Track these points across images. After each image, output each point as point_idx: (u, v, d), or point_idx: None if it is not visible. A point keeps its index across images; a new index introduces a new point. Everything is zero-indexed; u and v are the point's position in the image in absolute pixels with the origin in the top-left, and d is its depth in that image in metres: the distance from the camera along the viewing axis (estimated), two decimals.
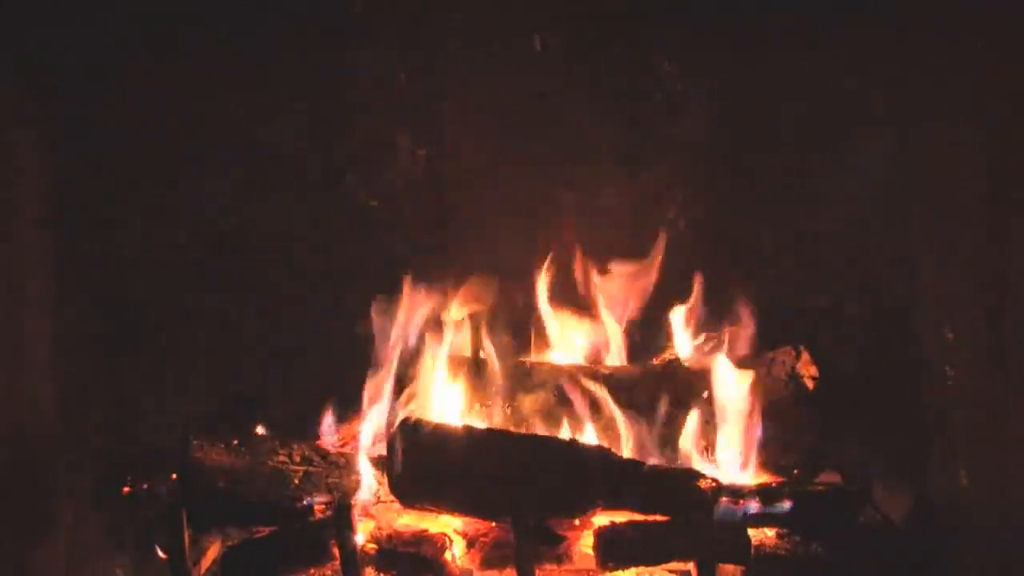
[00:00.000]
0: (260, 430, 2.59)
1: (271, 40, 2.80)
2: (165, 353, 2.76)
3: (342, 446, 2.63)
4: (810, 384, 2.66)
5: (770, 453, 2.57)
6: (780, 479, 2.57)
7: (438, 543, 2.38)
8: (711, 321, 2.77)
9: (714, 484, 2.38)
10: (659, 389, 2.65)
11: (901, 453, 2.57)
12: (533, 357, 2.81)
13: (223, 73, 2.78)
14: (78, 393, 2.58)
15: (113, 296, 2.69)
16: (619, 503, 2.39)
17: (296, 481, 2.42)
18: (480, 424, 2.60)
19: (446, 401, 2.67)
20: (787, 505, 2.38)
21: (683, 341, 2.79)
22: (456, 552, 2.40)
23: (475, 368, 2.73)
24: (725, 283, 2.80)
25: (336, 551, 2.30)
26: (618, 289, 2.84)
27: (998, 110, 2.31)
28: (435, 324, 2.73)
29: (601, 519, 2.38)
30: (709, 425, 2.59)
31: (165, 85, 2.74)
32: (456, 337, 2.76)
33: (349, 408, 2.69)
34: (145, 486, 2.53)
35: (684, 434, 2.58)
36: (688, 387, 2.65)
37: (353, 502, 2.36)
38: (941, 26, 2.48)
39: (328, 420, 2.61)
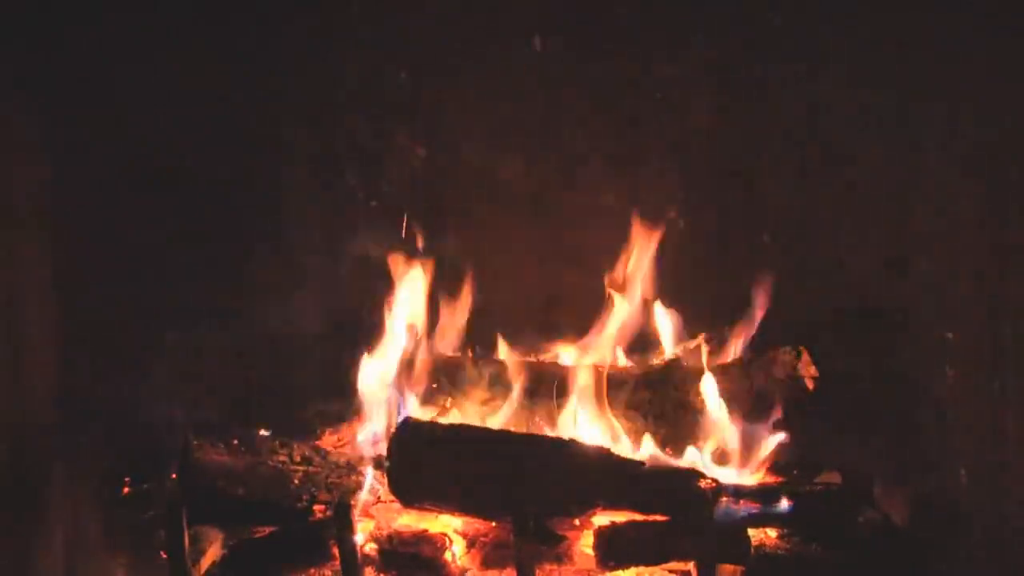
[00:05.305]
0: (260, 430, 2.59)
1: (269, 40, 2.81)
2: (165, 352, 2.76)
3: (342, 446, 2.63)
4: (810, 384, 2.66)
5: (770, 453, 2.57)
6: (780, 479, 2.57)
7: (438, 543, 2.38)
8: (711, 321, 2.77)
9: (714, 484, 2.38)
10: (659, 389, 2.65)
11: (901, 453, 2.57)
12: (533, 357, 2.81)
13: (223, 72, 2.79)
14: (77, 393, 2.58)
15: (113, 295, 2.69)
16: (619, 503, 2.39)
17: (296, 481, 2.42)
18: (480, 424, 2.60)
19: (445, 400, 2.67)
20: (787, 505, 2.38)
21: (682, 341, 2.79)
22: (456, 552, 2.40)
23: (474, 368, 2.73)
24: (725, 283, 2.80)
25: (336, 551, 2.29)
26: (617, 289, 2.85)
27: (998, 114, 2.32)
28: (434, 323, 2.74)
29: (601, 519, 2.38)
30: (708, 425, 2.59)
31: (163, 84, 2.75)
32: (454, 337, 2.77)
33: (349, 407, 2.69)
34: (145, 486, 2.53)
35: (684, 434, 2.58)
36: (688, 387, 2.64)
37: (353, 502, 2.36)
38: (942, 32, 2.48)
39: (328, 420, 2.61)
